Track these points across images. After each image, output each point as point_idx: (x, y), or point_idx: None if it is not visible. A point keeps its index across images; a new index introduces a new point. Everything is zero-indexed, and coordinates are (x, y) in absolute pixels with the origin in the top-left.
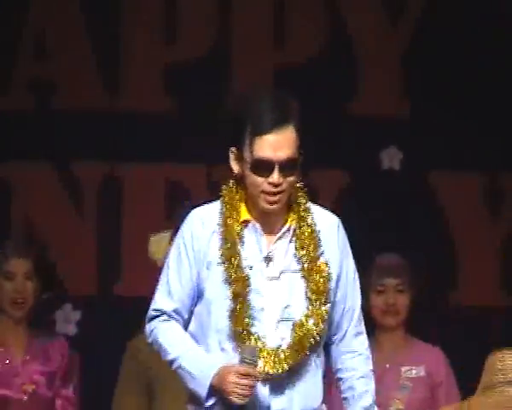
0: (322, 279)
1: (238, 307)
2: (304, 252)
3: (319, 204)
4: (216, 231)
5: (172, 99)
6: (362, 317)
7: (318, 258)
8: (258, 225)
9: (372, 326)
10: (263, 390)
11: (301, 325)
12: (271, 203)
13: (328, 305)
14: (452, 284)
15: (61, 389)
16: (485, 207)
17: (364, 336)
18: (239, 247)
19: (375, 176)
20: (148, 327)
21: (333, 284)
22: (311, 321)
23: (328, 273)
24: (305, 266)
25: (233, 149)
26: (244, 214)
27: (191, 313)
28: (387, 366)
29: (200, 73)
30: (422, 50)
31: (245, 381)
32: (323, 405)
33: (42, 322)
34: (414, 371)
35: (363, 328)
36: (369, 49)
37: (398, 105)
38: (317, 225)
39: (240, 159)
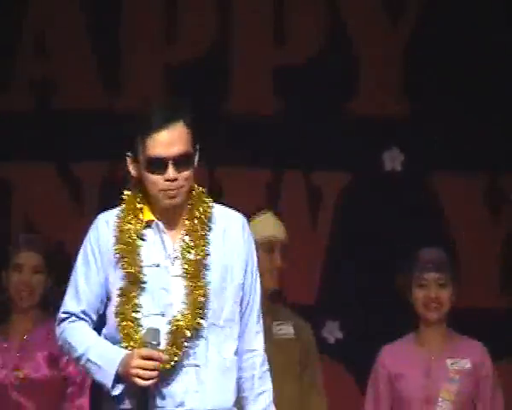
0: (196, 271)
1: (123, 303)
2: (186, 246)
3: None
4: None
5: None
6: (261, 316)
7: (197, 249)
8: (161, 224)
9: (416, 320)
10: (177, 387)
11: (176, 320)
12: (171, 198)
13: (201, 297)
14: None
15: (74, 398)
16: (485, 207)
17: (262, 336)
18: (136, 247)
19: (378, 177)
20: (58, 330)
21: (238, 281)
22: (184, 316)
23: (201, 265)
24: (186, 260)
25: (129, 153)
26: (147, 215)
27: (104, 316)
28: (433, 358)
29: (200, 72)
30: (423, 50)
31: (148, 363)
32: (235, 408)
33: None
34: (460, 364)
35: (261, 327)
36: (369, 49)
37: (399, 105)
38: (218, 224)
39: (136, 162)
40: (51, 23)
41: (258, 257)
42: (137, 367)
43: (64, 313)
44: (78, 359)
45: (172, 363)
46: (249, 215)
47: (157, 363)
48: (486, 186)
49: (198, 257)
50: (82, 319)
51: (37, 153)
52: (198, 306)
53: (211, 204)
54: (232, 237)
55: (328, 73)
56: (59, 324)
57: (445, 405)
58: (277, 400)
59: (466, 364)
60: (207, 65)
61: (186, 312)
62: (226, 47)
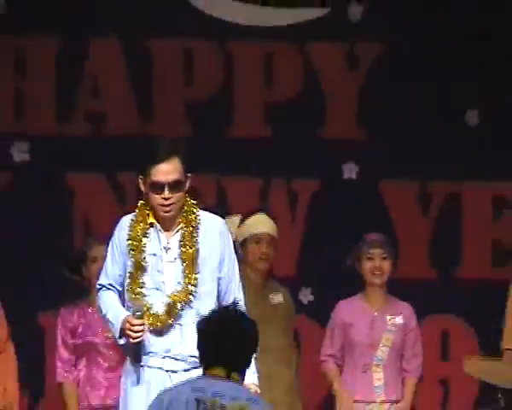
0: (190, 263)
1: (131, 282)
2: (184, 244)
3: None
4: None
5: (192, 126)
6: (240, 289)
7: (191, 248)
8: (159, 226)
9: (364, 284)
10: (166, 339)
11: (174, 295)
12: (165, 212)
13: (194, 281)
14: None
15: None
16: (418, 206)
17: (242, 302)
18: (142, 241)
19: (338, 183)
20: (96, 297)
21: (215, 265)
22: (180, 290)
23: (195, 259)
24: (183, 254)
25: (141, 176)
26: (151, 219)
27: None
28: (376, 313)
29: (211, 106)
30: (373, 91)
31: (134, 327)
32: None
33: None
34: (396, 320)
35: (241, 296)
36: (334, 88)
37: (356, 131)
38: (202, 225)
39: (144, 183)
40: (102, 72)
41: (248, 248)
42: (128, 329)
43: (99, 285)
44: (104, 316)
45: (165, 323)
46: (245, 215)
47: (141, 326)
48: (419, 191)
49: (190, 250)
50: (109, 289)
51: (93, 167)
52: (190, 289)
53: (198, 212)
54: (212, 233)
55: (304, 107)
56: (96, 293)
57: (384, 349)
58: (275, 344)
59: (400, 320)
60: (216, 101)
61: (180, 290)
62: (230, 88)
